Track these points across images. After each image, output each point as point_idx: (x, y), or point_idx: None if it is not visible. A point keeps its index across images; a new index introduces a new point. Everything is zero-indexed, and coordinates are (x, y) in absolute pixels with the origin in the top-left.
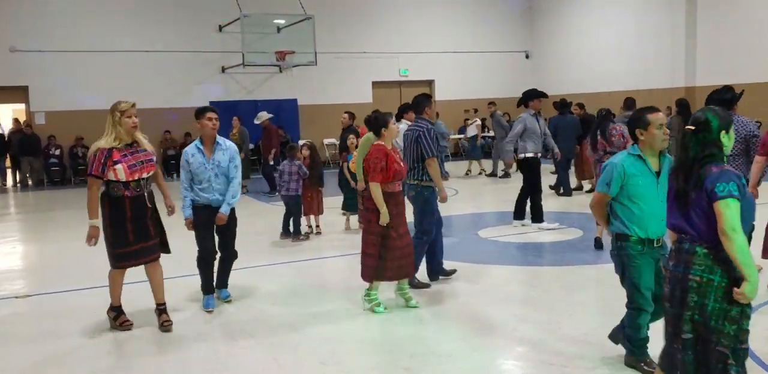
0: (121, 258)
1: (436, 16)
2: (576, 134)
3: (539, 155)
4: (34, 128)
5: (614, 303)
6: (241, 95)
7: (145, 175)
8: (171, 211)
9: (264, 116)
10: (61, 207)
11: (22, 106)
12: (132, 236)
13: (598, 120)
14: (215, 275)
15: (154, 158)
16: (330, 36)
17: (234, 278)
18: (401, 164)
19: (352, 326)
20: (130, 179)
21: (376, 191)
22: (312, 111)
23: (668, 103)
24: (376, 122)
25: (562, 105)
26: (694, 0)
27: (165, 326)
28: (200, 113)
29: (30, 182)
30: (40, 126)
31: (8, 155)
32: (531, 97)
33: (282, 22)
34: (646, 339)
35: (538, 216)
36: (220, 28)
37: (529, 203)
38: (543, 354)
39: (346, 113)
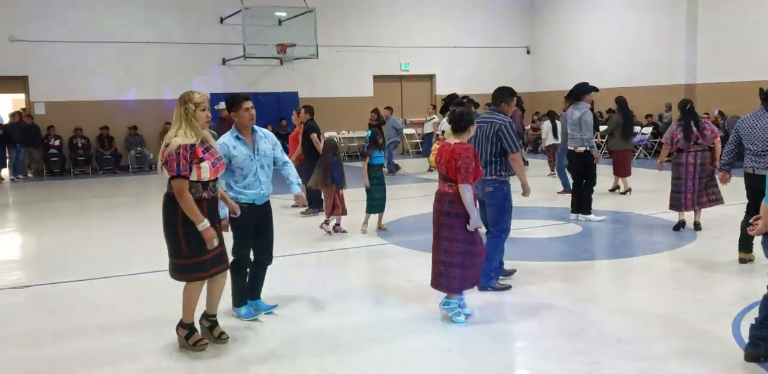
0: (196, 269)
1: (438, 11)
2: None
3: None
4: (33, 118)
5: (613, 299)
6: (241, 87)
7: (219, 174)
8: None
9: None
10: (60, 198)
11: (21, 96)
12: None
13: (687, 112)
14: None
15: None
16: (331, 29)
17: None
18: None
19: (351, 320)
20: (213, 177)
21: (468, 194)
22: (313, 104)
23: (667, 100)
24: (462, 118)
25: (470, 102)
26: None
27: (222, 338)
28: (235, 103)
29: (30, 173)
30: (40, 116)
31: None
32: (587, 91)
33: (283, 14)
34: None
35: (587, 207)
36: (222, 20)
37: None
38: (540, 348)
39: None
